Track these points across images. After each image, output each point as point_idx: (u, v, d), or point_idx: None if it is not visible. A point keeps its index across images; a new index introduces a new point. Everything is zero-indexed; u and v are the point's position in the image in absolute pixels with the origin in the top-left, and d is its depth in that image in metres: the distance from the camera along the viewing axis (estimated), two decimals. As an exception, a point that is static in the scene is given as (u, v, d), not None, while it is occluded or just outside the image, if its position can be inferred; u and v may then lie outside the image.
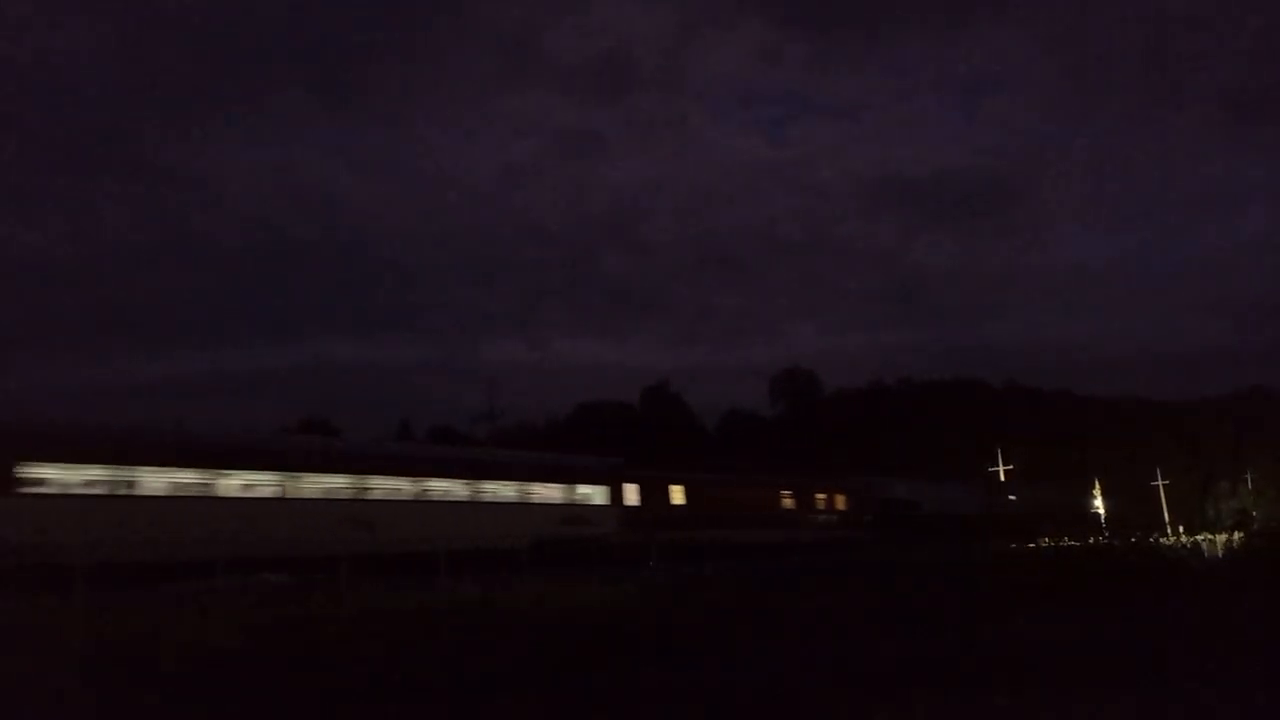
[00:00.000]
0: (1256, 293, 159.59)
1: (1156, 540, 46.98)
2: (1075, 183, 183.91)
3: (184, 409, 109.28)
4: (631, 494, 34.40)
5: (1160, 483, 70.36)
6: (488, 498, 29.32)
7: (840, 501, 45.81)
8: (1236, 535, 48.45)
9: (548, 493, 31.32)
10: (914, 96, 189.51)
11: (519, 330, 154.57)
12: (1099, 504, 72.35)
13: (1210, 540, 45.42)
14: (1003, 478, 69.01)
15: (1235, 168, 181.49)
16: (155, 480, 21.79)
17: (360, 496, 25.79)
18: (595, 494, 32.99)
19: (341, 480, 25.57)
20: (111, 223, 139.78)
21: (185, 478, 22.39)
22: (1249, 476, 76.42)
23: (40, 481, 20.04)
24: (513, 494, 30.16)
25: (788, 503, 42.64)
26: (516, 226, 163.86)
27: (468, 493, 28.81)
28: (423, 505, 27.19)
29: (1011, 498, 63.99)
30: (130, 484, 21.36)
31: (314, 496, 24.71)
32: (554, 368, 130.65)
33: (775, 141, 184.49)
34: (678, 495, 36.81)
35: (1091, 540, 45.94)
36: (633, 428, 72.85)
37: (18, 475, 19.67)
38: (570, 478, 32.45)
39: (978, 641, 11.13)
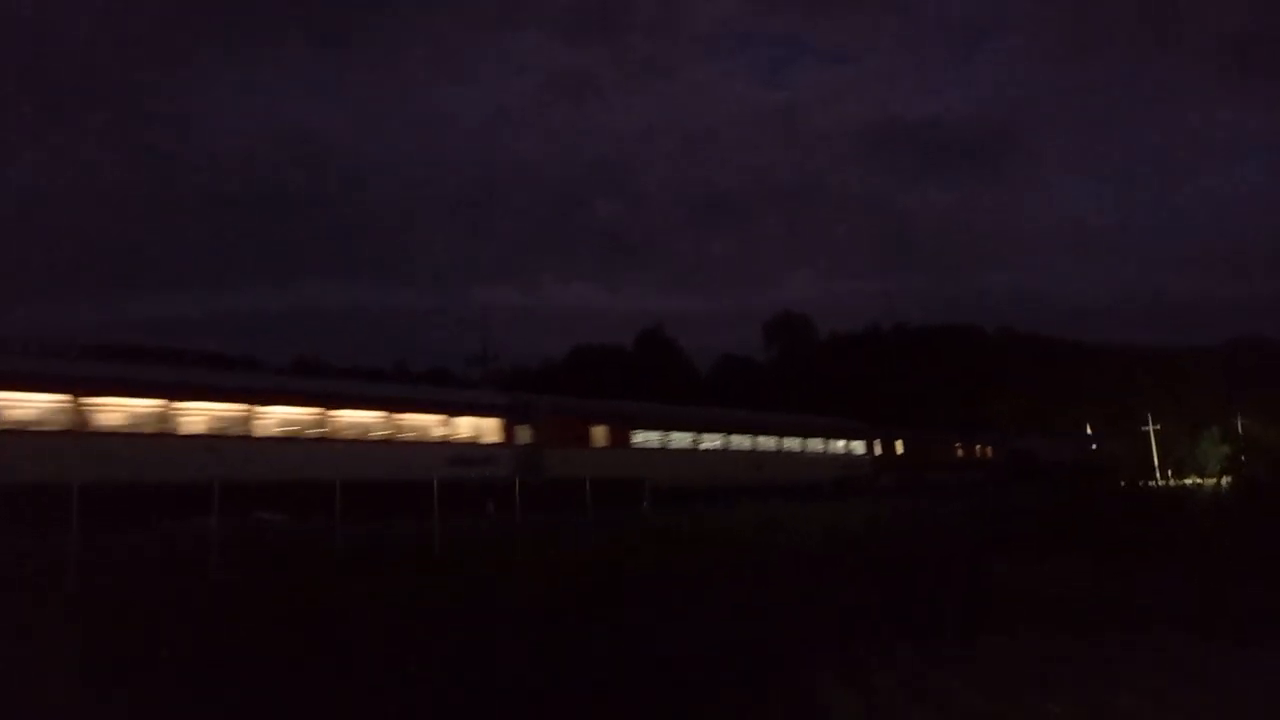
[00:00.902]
0: (1254, 242, 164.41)
1: (1145, 484, 54.66)
2: (1073, 130, 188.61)
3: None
4: (878, 446, 48.69)
5: (1151, 428, 72.44)
6: (810, 449, 43.60)
7: (989, 452, 60.20)
8: (1224, 480, 55.55)
9: (837, 446, 45.54)
10: (912, 41, 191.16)
11: (513, 274, 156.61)
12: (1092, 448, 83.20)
13: (1198, 484, 54.32)
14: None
15: (1235, 118, 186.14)
16: (679, 439, 35.99)
17: (755, 449, 40.00)
18: (859, 446, 47.22)
19: (747, 439, 39.70)
20: (101, 165, 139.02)
21: (686, 438, 36.57)
22: (1239, 423, 77.66)
23: (636, 440, 34.21)
24: (821, 448, 44.40)
25: (960, 452, 57.07)
26: (511, 170, 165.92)
27: (800, 446, 43.05)
28: (781, 454, 41.41)
29: (1094, 447, 78.18)
30: (668, 442, 35.55)
31: (738, 449, 38.95)
32: (548, 311, 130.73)
33: (771, 86, 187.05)
34: (899, 447, 51.06)
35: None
36: (627, 371, 73.67)
37: (629, 437, 33.85)
38: (848, 435, 46.59)
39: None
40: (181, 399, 22.00)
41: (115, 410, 21.33)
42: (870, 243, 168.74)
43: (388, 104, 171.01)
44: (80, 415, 20.48)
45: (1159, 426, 72.56)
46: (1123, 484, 50.63)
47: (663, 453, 34.98)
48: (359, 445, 25.33)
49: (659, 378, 70.92)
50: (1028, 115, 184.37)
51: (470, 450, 27.96)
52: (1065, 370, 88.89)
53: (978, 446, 59.25)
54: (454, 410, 28.10)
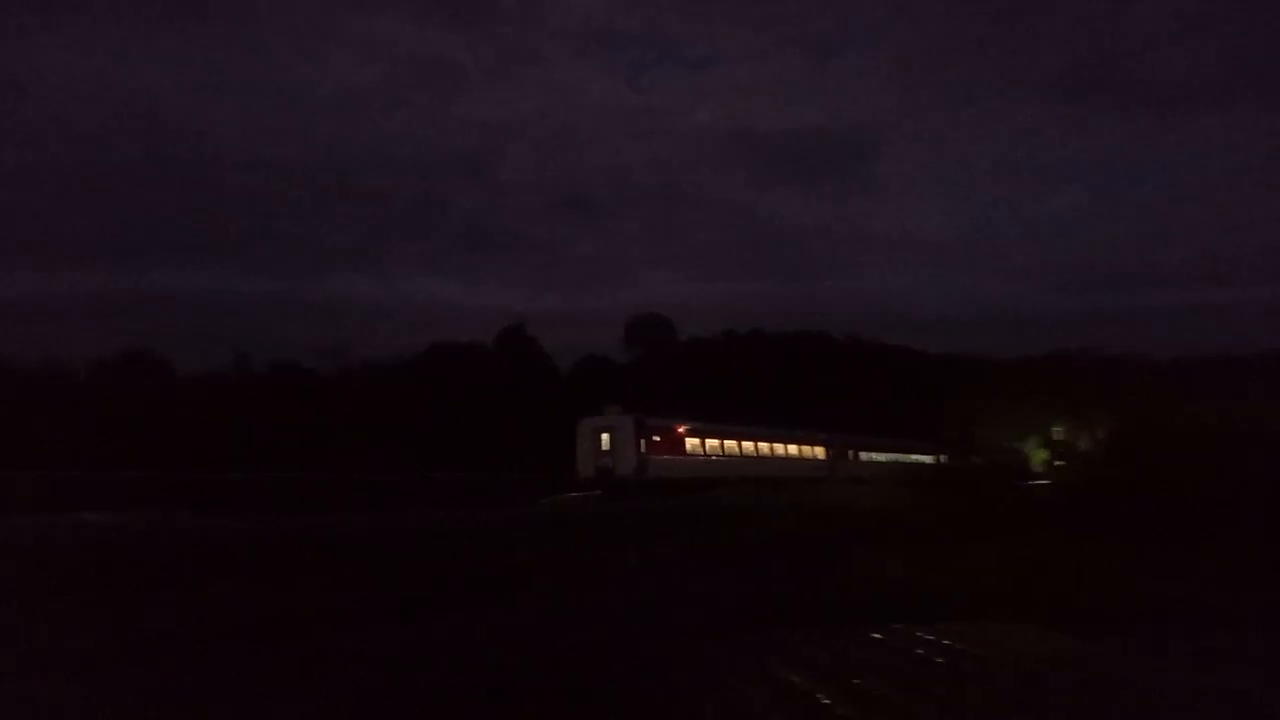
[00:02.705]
0: (1076, 261, 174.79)
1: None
2: (919, 147, 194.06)
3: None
4: (940, 456, 69.58)
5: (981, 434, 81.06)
6: (914, 458, 63.52)
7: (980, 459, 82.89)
8: (1041, 483, 63.67)
9: (923, 456, 65.81)
10: (770, 54, 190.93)
11: (366, 264, 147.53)
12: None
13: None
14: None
15: (1063, 144, 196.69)
16: (879, 456, 54.90)
17: (905, 459, 59.40)
18: (930, 457, 67.67)
19: (903, 455, 59.12)
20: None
21: (886, 455, 55.54)
22: (1054, 430, 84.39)
23: (864, 457, 52.73)
24: (917, 456, 64.46)
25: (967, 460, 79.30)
26: (367, 156, 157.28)
27: (913, 455, 62.91)
28: (907, 462, 60.91)
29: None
30: (878, 455, 54.35)
31: (896, 460, 58.20)
32: (403, 305, 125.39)
33: (635, 87, 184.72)
34: (945, 457, 72.19)
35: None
36: (487, 369, 73.42)
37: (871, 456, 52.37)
38: (926, 449, 66.94)
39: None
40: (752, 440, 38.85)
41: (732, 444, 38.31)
42: (727, 248, 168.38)
43: (237, 79, 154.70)
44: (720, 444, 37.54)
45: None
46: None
47: (879, 462, 53.99)
48: (790, 457, 42.78)
49: (519, 375, 71.61)
50: (878, 131, 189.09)
51: (821, 461, 46.04)
52: (910, 378, 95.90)
53: (975, 456, 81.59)
54: (815, 442, 46.15)
